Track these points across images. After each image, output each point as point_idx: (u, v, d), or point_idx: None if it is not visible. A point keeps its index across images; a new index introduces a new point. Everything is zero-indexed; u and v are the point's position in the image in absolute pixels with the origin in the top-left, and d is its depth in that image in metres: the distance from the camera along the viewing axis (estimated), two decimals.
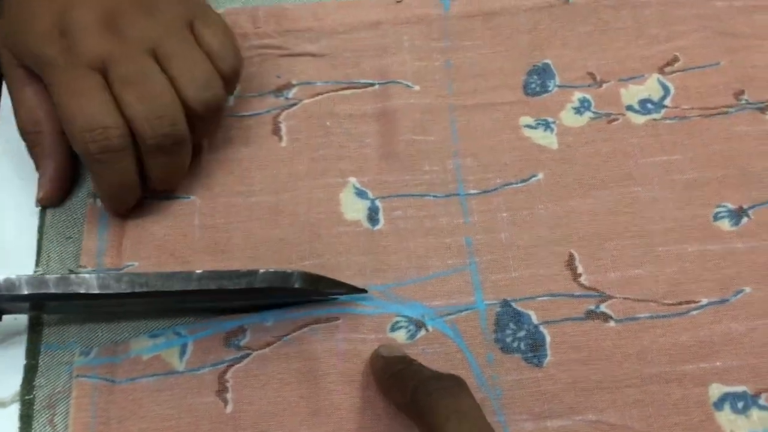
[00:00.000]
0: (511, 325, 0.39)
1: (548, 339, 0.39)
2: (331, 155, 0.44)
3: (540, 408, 0.37)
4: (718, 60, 0.47)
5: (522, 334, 0.39)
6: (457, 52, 0.47)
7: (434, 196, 0.43)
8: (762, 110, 0.45)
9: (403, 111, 0.45)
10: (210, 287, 0.36)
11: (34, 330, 0.39)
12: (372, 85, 0.46)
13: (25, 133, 0.41)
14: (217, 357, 0.38)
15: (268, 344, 0.39)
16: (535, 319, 0.40)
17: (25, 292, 0.35)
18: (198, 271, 0.36)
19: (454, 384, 0.33)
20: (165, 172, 0.40)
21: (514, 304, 0.40)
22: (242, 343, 0.39)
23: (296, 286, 0.37)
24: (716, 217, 0.42)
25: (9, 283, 0.35)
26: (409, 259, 0.40)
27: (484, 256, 0.41)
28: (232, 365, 0.38)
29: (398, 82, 0.46)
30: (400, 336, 0.39)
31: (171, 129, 0.38)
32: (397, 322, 0.39)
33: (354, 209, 0.42)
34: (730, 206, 0.42)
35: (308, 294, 0.39)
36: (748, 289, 0.40)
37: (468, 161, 0.44)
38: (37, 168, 0.41)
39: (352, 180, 0.43)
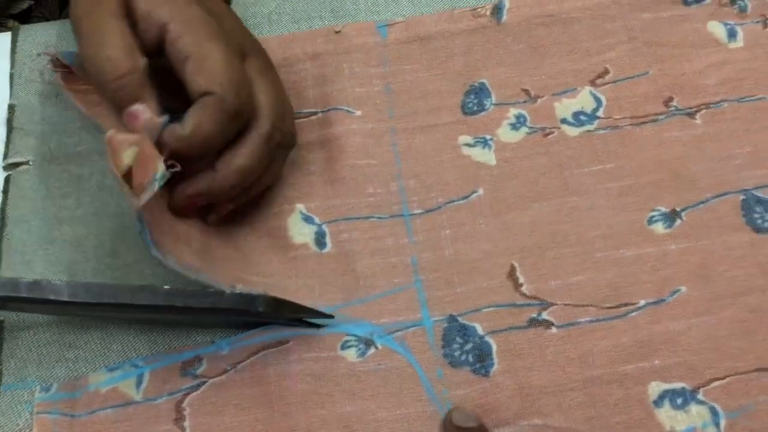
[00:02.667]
0: (458, 339, 0.41)
1: (494, 348, 0.41)
2: (279, 184, 0.45)
3: (488, 418, 0.39)
4: (647, 69, 0.48)
5: (469, 346, 0.41)
6: (396, 77, 0.49)
7: (379, 218, 0.44)
8: (691, 115, 0.47)
9: (345, 137, 0.47)
10: (176, 304, 0.37)
11: None
12: (315, 113, 0.48)
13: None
14: (173, 386, 0.39)
15: (224, 372, 0.40)
16: (480, 330, 0.41)
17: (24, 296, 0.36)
18: (166, 287, 0.37)
19: None
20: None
21: (459, 319, 0.41)
22: (198, 371, 0.40)
23: (260, 309, 0.38)
24: (650, 221, 0.44)
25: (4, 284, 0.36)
26: (356, 279, 0.42)
27: (429, 274, 0.43)
28: (189, 393, 0.39)
29: (340, 109, 0.48)
30: (351, 354, 0.40)
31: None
32: (347, 341, 0.40)
33: (301, 234, 0.43)
34: (664, 209, 0.44)
35: (274, 319, 0.40)
36: (683, 289, 0.42)
37: (411, 182, 0.45)
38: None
39: (299, 206, 0.45)
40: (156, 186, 0.35)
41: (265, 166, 0.41)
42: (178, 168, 0.37)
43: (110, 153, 0.36)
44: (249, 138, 0.40)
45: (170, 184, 0.38)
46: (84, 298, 0.36)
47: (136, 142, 0.36)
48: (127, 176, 0.36)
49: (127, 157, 0.36)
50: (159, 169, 0.35)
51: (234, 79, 0.38)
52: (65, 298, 0.36)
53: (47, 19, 0.62)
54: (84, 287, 0.36)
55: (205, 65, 0.38)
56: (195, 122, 0.37)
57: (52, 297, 0.36)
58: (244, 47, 0.42)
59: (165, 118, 0.38)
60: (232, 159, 0.39)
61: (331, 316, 0.40)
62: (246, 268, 0.42)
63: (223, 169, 0.39)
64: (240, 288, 0.38)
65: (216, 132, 0.38)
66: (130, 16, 0.39)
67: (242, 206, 0.43)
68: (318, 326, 0.41)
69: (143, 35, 0.39)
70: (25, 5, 0.64)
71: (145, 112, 0.37)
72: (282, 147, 0.42)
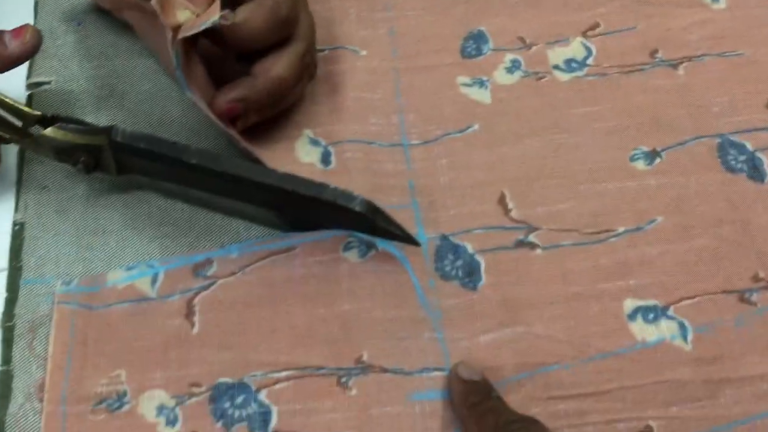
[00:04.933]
0: (449, 256, 0.44)
1: (483, 265, 0.44)
2: (286, 111, 0.48)
3: (473, 326, 0.42)
4: (635, 24, 0.52)
5: (459, 263, 0.44)
6: (400, 21, 0.52)
7: (380, 145, 0.47)
8: (674, 67, 0.50)
9: (350, 73, 0.50)
10: (285, 187, 0.40)
11: (13, 267, 0.43)
12: (322, 50, 0.51)
13: None
14: (185, 285, 0.42)
15: (233, 273, 0.43)
16: (470, 249, 0.44)
17: (142, 146, 0.41)
18: (279, 171, 0.40)
19: (536, 429, 0.35)
20: None
21: (451, 238, 0.45)
22: (209, 273, 0.43)
23: (357, 209, 0.40)
24: (633, 159, 0.47)
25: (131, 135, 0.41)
26: (358, 192, 0.44)
27: (424, 197, 0.46)
28: (200, 292, 0.42)
29: (346, 48, 0.51)
30: (353, 255, 0.43)
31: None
32: (350, 242, 0.43)
33: (308, 154, 0.47)
34: (645, 149, 0.47)
35: (365, 223, 0.41)
36: (659, 219, 0.45)
37: (411, 116, 0.49)
38: None
39: (306, 131, 0.48)
40: (202, 28, 0.38)
41: (295, 84, 0.44)
42: (228, 21, 0.39)
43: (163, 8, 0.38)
44: (287, 51, 0.43)
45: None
46: (211, 165, 0.40)
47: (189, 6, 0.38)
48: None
49: (182, 15, 0.38)
50: (211, 18, 0.38)
51: None
52: (194, 161, 0.40)
53: None
54: (214, 157, 0.40)
55: None
56: (247, 15, 0.40)
57: (188, 160, 0.40)
58: None
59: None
60: (271, 67, 0.42)
61: (417, 243, 0.43)
62: None
63: (261, 76, 0.42)
64: None
65: (263, 31, 0.41)
66: None
67: (254, 128, 0.46)
68: (417, 243, 0.43)
69: None
70: None
71: None
72: (308, 71, 0.45)
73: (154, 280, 0.42)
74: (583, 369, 0.41)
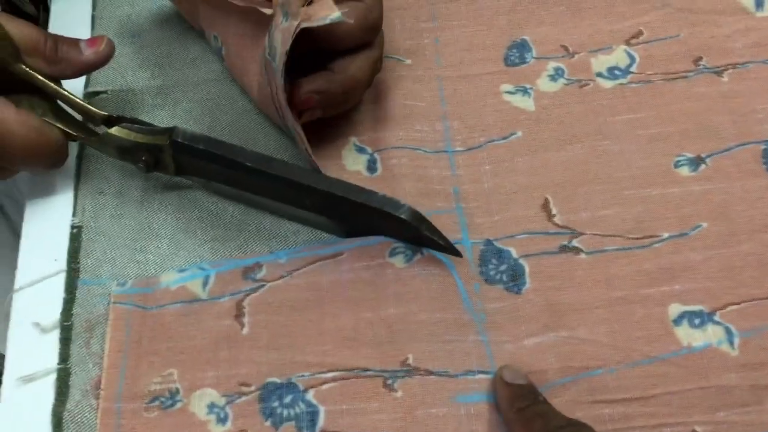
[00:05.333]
0: (494, 260, 0.45)
1: (527, 269, 0.44)
2: (333, 120, 0.49)
3: (518, 330, 0.42)
4: (678, 33, 0.52)
5: (504, 267, 0.44)
6: (444, 31, 0.53)
7: (425, 151, 0.48)
8: (718, 74, 0.50)
9: (395, 81, 0.51)
10: (335, 192, 0.41)
11: (71, 269, 0.45)
12: None
13: None
14: (235, 287, 0.43)
15: (281, 277, 0.44)
16: (515, 253, 0.45)
17: (201, 147, 0.43)
18: (329, 176, 0.43)
19: None
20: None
21: (496, 243, 0.45)
22: (258, 276, 0.44)
23: (402, 216, 0.41)
24: (677, 165, 0.47)
25: (191, 136, 0.43)
26: (403, 197, 0.45)
27: (469, 203, 0.46)
28: (249, 294, 0.43)
29: (391, 57, 0.52)
30: (399, 260, 0.44)
31: None
32: (396, 248, 0.44)
33: (354, 162, 0.48)
34: (689, 155, 0.47)
35: (410, 231, 0.42)
36: (704, 225, 0.45)
37: (455, 123, 0.49)
38: None
39: (353, 139, 0.49)
40: (327, 21, 0.40)
41: (365, 87, 0.46)
42: (350, 20, 0.41)
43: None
44: (365, 54, 0.45)
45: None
46: (265, 168, 0.42)
47: None
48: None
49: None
50: (334, 13, 0.40)
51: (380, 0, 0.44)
52: (249, 164, 0.42)
53: None
54: (268, 160, 0.42)
55: None
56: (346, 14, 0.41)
57: (243, 162, 0.42)
58: None
59: None
60: (349, 66, 0.44)
61: (460, 255, 0.43)
62: None
63: (340, 74, 0.44)
64: None
65: (355, 32, 0.43)
66: None
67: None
68: (459, 255, 0.43)
69: None
70: None
71: None
72: (372, 77, 0.47)
73: (205, 282, 0.44)
74: (628, 373, 0.41)
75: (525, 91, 0.50)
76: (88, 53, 0.45)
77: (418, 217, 0.42)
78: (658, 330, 0.42)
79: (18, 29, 0.43)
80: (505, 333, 0.42)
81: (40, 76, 0.44)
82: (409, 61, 0.52)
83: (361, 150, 0.48)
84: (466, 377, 0.41)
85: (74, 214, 0.47)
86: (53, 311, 0.43)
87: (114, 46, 0.46)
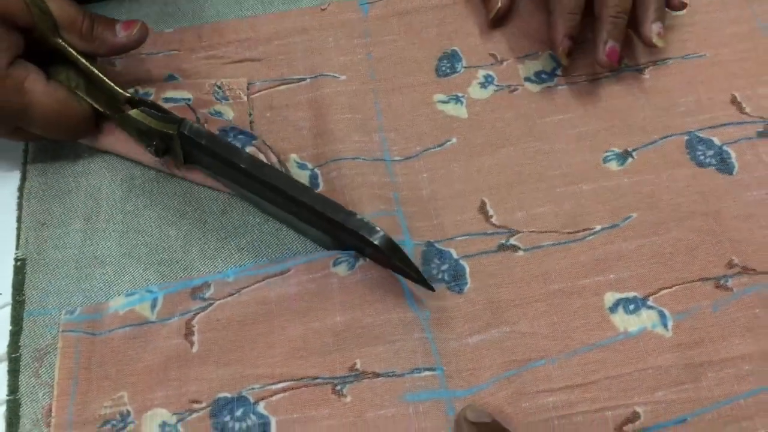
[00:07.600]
0: (435, 260, 0.46)
1: (467, 270, 0.45)
2: (272, 138, 0.50)
3: (461, 328, 0.44)
4: None
5: (445, 267, 0.46)
6: (377, 46, 0.55)
7: (364, 159, 0.49)
8: (640, 71, 0.53)
9: (332, 97, 0.52)
10: (316, 207, 0.42)
11: (17, 302, 0.45)
12: (303, 80, 0.53)
13: None
14: (185, 307, 0.44)
15: (230, 295, 0.44)
16: (455, 254, 0.46)
17: (203, 143, 0.44)
18: (315, 191, 0.44)
19: None
20: None
21: (437, 245, 0.46)
22: (207, 295, 0.45)
23: (375, 242, 0.41)
24: (605, 160, 0.49)
25: (196, 131, 0.45)
26: (347, 205, 0.46)
27: (409, 207, 0.48)
28: (198, 313, 0.44)
29: (326, 75, 0.53)
30: (342, 269, 0.45)
31: None
32: (339, 258, 0.45)
33: (297, 178, 0.48)
34: (617, 150, 0.49)
35: (383, 258, 0.43)
36: (634, 215, 0.47)
37: (391, 135, 0.51)
38: None
39: (293, 156, 0.50)
40: None
41: None
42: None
43: None
44: None
45: None
46: (256, 172, 0.43)
47: None
48: None
49: None
50: None
51: None
52: (243, 165, 0.43)
53: None
54: (260, 165, 0.44)
55: None
56: None
57: (238, 163, 0.43)
58: None
59: None
60: None
61: (432, 289, 0.43)
62: None
63: None
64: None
65: None
66: None
67: None
68: (432, 289, 0.43)
69: None
70: None
71: None
72: None
73: (153, 305, 0.44)
74: (569, 362, 0.42)
75: (457, 100, 0.52)
76: (121, 35, 0.47)
77: (391, 247, 0.42)
78: (596, 318, 0.43)
79: (58, 5, 0.45)
80: (450, 331, 0.43)
81: (74, 52, 0.46)
82: (344, 77, 0.53)
83: (302, 166, 0.49)
84: (413, 375, 0.42)
85: (17, 247, 0.47)
86: (0, 344, 0.43)
87: (147, 31, 0.48)
